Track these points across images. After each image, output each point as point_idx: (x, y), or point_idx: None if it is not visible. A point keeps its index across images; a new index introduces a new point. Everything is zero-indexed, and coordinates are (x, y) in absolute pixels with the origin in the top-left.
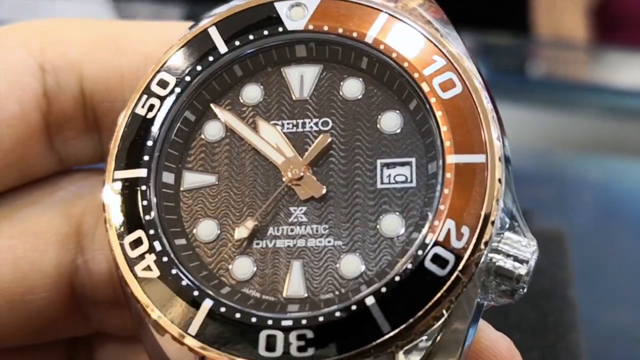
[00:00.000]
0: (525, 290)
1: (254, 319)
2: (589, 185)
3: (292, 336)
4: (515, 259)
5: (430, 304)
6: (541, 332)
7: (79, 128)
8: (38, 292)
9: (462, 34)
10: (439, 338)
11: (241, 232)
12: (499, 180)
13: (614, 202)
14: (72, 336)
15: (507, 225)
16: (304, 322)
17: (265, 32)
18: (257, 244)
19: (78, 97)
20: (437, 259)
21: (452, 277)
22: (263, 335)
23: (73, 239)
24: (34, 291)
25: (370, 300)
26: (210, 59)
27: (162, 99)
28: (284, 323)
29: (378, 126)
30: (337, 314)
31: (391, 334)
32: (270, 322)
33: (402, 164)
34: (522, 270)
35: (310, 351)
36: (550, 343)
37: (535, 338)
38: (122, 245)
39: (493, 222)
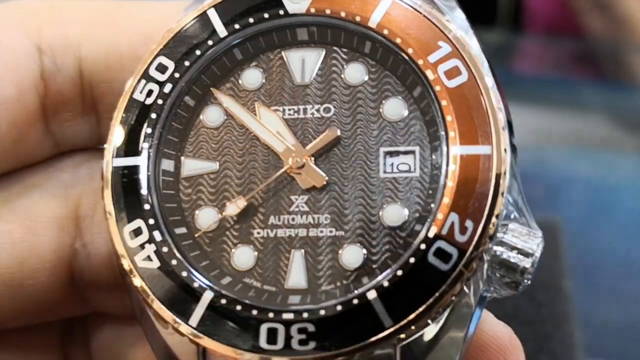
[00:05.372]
0: (529, 282)
1: (254, 311)
2: (578, 181)
3: (294, 329)
4: (520, 251)
5: (433, 298)
6: (537, 323)
7: (76, 110)
8: (37, 276)
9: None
10: (441, 330)
11: (231, 209)
12: (505, 172)
13: (604, 197)
14: (69, 316)
15: (512, 216)
16: (305, 315)
17: (266, 15)
18: (258, 233)
19: (76, 78)
20: (440, 253)
21: (455, 272)
22: (264, 327)
23: (71, 222)
24: (33, 276)
25: (372, 295)
26: (210, 42)
27: (160, 84)
28: (285, 316)
29: (381, 113)
30: (339, 307)
31: (393, 328)
32: (271, 314)
33: (406, 153)
34: (527, 263)
35: (312, 345)
36: (546, 334)
37: (531, 329)
38: (121, 235)
39: (498, 216)
